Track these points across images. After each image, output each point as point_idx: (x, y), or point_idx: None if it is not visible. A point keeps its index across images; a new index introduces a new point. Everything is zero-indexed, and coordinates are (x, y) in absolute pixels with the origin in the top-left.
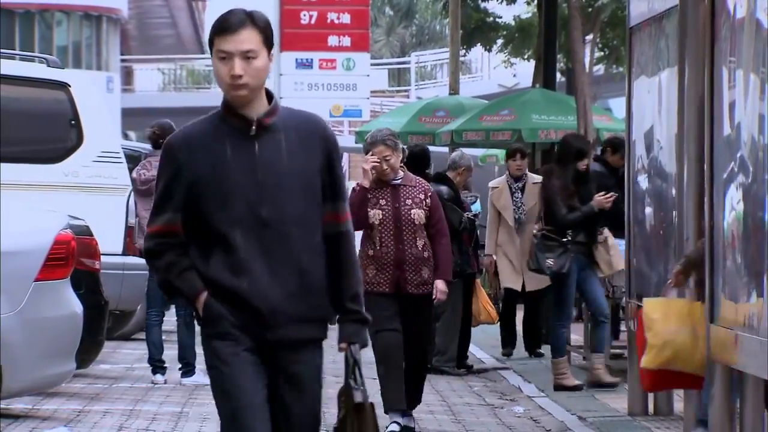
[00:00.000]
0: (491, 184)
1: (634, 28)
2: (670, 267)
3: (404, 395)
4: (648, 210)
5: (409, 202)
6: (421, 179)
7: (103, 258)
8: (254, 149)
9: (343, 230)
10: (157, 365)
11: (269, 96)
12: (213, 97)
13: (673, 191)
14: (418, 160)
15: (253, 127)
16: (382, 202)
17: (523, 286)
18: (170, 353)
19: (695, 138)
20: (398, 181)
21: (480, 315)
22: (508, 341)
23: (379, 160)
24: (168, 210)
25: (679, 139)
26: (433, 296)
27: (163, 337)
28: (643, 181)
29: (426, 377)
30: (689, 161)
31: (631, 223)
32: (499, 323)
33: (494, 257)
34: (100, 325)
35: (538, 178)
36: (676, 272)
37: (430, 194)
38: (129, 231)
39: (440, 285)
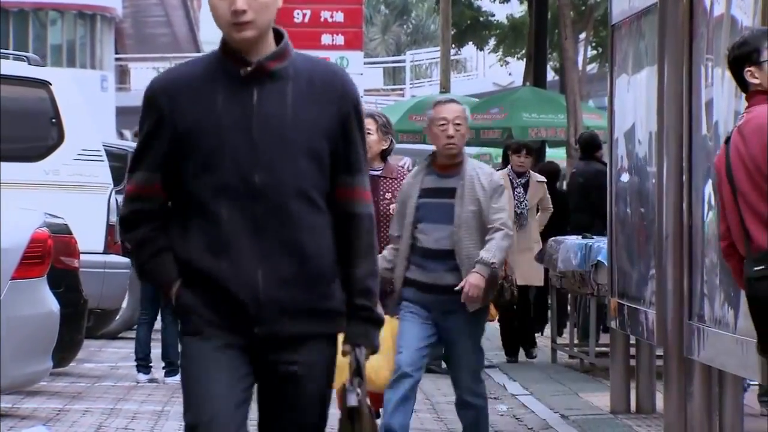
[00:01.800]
0: None
1: (616, 26)
2: (651, 264)
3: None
4: (629, 208)
5: (388, 195)
6: (404, 171)
7: (84, 256)
8: (252, 100)
9: (359, 211)
10: (141, 363)
11: (279, 36)
12: None
13: (655, 189)
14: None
15: (249, 69)
16: None
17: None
18: (157, 352)
19: (675, 136)
20: (378, 172)
21: None
22: (511, 347)
23: None
24: (144, 168)
25: (658, 137)
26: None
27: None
28: (625, 179)
29: None
30: (668, 159)
31: (613, 221)
32: (498, 328)
33: None
34: (79, 323)
35: (542, 177)
36: None
37: None
38: (110, 229)
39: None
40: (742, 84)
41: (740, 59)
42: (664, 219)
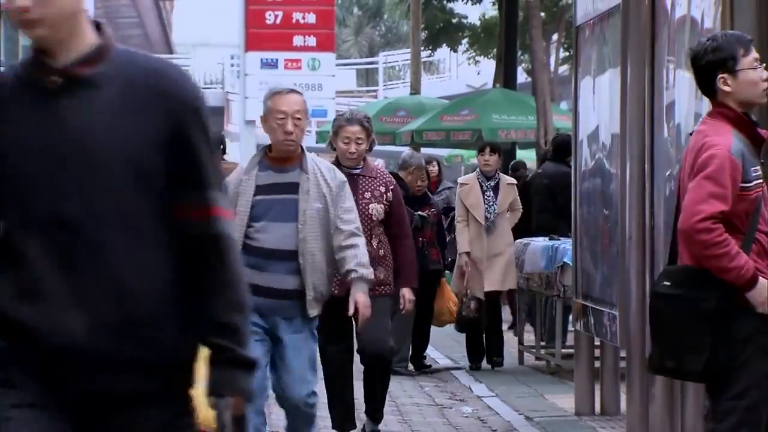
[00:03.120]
0: (460, 180)
1: (580, 28)
2: (615, 266)
3: (352, 414)
4: (593, 210)
5: (368, 195)
6: (383, 170)
7: None
8: (58, 113)
9: (215, 231)
10: None
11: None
12: None
13: (618, 191)
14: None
15: (55, 79)
16: None
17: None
18: None
19: (637, 138)
20: (357, 171)
21: (443, 315)
22: (475, 354)
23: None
24: None
25: (621, 138)
26: (401, 305)
27: None
28: (589, 181)
29: (387, 386)
30: (631, 161)
31: (577, 223)
32: (465, 334)
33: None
34: None
35: (512, 179)
36: None
37: (392, 187)
38: None
39: (407, 294)
40: (709, 88)
41: (713, 65)
42: (627, 221)
